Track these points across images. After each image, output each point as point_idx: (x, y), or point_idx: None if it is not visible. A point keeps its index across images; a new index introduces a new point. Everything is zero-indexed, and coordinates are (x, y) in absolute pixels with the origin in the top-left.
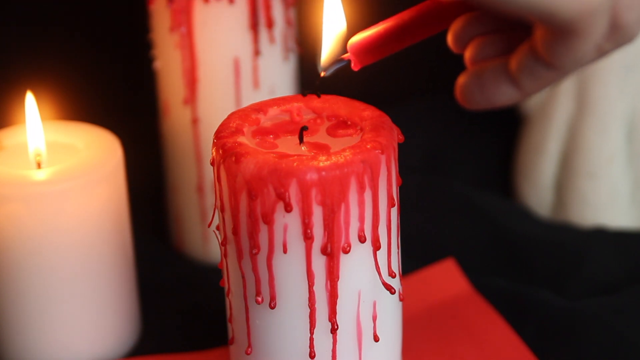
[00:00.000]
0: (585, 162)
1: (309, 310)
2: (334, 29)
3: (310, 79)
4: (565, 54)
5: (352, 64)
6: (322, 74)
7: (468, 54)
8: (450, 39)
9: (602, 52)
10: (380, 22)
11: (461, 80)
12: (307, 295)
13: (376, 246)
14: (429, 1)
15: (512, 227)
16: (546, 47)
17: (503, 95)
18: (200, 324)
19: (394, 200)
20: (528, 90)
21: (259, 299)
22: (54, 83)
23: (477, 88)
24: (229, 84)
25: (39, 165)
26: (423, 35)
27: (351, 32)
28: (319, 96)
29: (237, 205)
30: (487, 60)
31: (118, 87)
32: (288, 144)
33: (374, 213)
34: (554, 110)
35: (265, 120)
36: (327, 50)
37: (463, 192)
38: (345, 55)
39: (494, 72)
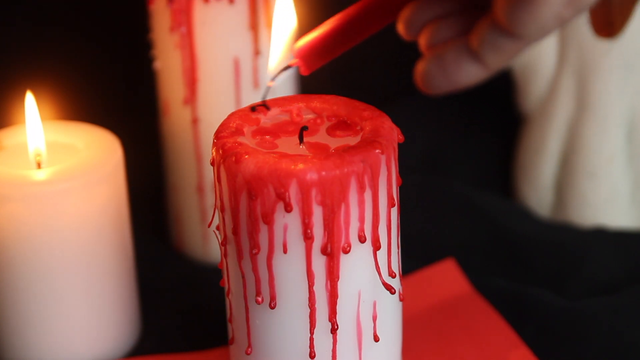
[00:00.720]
0: (585, 162)
1: (309, 310)
2: (282, 34)
3: (310, 79)
4: (527, 21)
5: (300, 70)
6: (270, 84)
7: (423, 40)
8: (401, 27)
9: (562, 20)
10: (326, 22)
11: (421, 66)
12: (307, 295)
13: (376, 246)
14: None
15: (512, 227)
16: (507, 16)
17: (467, 74)
18: (200, 324)
19: (394, 200)
20: (492, 65)
21: (259, 299)
22: (54, 83)
23: (439, 71)
24: (229, 84)
25: (39, 165)
26: (373, 30)
27: (299, 35)
28: (268, 108)
29: (237, 205)
30: (445, 43)
31: (118, 87)
32: (288, 144)
33: (374, 213)
34: (554, 110)
35: (265, 120)
36: (277, 58)
37: (463, 192)
38: (293, 62)
39: (455, 52)
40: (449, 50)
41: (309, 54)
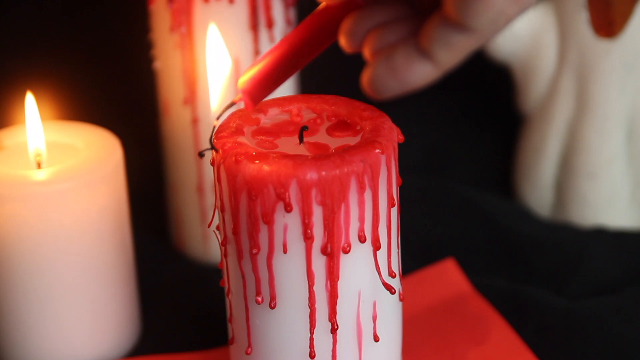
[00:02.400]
0: (585, 162)
1: (309, 310)
2: (219, 72)
3: (310, 79)
4: (478, 12)
5: (245, 105)
6: (215, 124)
7: (368, 48)
8: (343, 39)
9: (507, 17)
10: (267, 52)
11: (368, 71)
12: (307, 295)
13: (376, 246)
14: (313, 15)
15: (512, 227)
16: (457, 8)
17: (418, 74)
18: (200, 324)
19: (394, 200)
20: (444, 62)
21: (259, 299)
22: (54, 83)
23: (389, 74)
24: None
25: (39, 165)
26: (316, 53)
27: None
28: (217, 151)
29: (237, 205)
30: (392, 46)
31: (118, 87)
32: (288, 144)
33: (374, 213)
34: (554, 110)
35: (265, 120)
36: (218, 97)
37: (463, 192)
38: (237, 98)
39: (405, 53)
40: (398, 51)
41: (255, 89)
